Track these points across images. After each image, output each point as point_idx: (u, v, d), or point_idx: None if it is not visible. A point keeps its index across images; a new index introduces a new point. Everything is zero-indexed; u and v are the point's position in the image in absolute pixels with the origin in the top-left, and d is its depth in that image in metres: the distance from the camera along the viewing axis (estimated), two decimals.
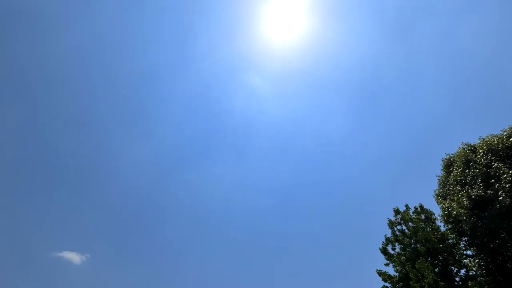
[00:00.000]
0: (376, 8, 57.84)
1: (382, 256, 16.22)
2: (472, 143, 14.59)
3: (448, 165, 15.22)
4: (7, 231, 46.18)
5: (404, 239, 15.58)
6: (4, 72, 53.73)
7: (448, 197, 14.47)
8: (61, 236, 48.05)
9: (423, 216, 15.82)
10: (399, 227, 16.14)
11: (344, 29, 59.65)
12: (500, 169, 11.86)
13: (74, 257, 43.84)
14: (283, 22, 57.65)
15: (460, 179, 13.64)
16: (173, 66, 62.71)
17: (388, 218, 16.55)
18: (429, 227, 15.34)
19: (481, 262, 13.09)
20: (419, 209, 16.08)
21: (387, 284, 15.35)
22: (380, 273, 15.56)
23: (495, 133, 13.73)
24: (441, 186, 15.39)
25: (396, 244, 15.98)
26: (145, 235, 52.52)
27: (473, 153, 13.96)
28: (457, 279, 13.88)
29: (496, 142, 13.18)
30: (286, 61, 60.13)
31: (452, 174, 14.28)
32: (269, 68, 60.72)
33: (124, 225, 53.34)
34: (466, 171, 13.47)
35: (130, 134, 59.18)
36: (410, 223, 15.82)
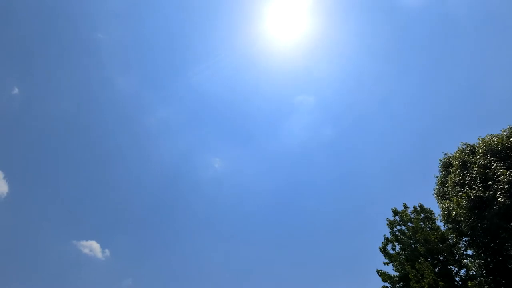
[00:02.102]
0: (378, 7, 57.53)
1: (382, 256, 16.23)
2: (472, 143, 14.54)
3: (446, 165, 15.19)
4: (26, 222, 46.91)
5: (404, 239, 15.56)
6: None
7: (448, 197, 14.45)
8: (80, 227, 48.86)
9: (422, 216, 15.80)
10: (398, 227, 16.15)
11: (346, 29, 59.47)
12: (498, 170, 11.85)
13: (94, 245, 44.79)
14: (285, 22, 57.64)
15: (459, 180, 13.62)
16: (172, 67, 63.00)
17: (387, 218, 16.59)
18: (429, 227, 15.31)
19: (481, 262, 13.09)
20: (418, 209, 16.06)
21: (387, 284, 15.37)
22: (380, 273, 15.57)
23: (494, 133, 13.70)
24: (440, 186, 15.38)
25: (396, 244, 15.98)
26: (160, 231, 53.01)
27: (471, 154, 13.92)
28: (457, 279, 13.85)
29: (495, 142, 13.15)
30: (288, 61, 60.07)
31: (449, 176, 14.26)
32: (271, 68, 60.71)
33: (142, 220, 53.93)
34: (464, 172, 13.45)
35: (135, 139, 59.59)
36: (409, 223, 15.81)
